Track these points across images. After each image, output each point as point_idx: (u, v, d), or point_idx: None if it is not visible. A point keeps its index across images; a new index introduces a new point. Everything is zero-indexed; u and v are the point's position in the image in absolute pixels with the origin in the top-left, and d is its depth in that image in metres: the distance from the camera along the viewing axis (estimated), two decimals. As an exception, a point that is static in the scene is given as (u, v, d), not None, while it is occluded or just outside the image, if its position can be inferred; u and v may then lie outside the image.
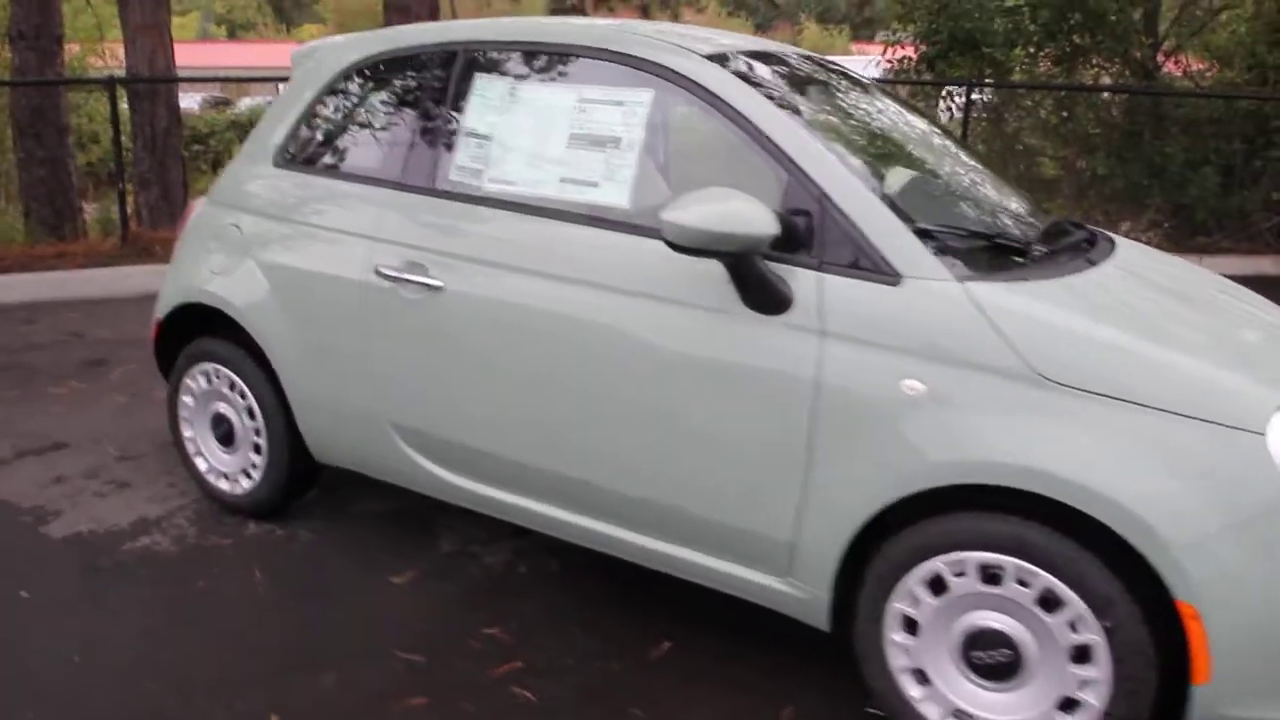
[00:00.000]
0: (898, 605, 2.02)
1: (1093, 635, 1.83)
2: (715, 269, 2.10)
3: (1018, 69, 8.60)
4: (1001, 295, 1.93)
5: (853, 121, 2.44)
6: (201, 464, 3.18)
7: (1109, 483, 1.77)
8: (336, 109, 2.84)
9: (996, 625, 1.93)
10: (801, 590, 2.15)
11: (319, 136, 2.86)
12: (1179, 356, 1.85)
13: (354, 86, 2.82)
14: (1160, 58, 8.57)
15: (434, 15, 7.08)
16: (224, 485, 3.13)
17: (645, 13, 21.66)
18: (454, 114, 2.55)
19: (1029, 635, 1.91)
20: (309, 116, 2.87)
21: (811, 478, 2.04)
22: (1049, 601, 1.87)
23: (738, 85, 2.21)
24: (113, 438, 3.76)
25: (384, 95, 2.76)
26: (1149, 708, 1.83)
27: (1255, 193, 7.44)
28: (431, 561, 2.90)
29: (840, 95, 2.59)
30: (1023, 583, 1.88)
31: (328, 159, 2.83)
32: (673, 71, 2.26)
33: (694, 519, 2.23)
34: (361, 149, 2.78)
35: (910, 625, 2.03)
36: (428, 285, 2.49)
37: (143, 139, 7.18)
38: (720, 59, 2.31)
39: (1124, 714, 1.84)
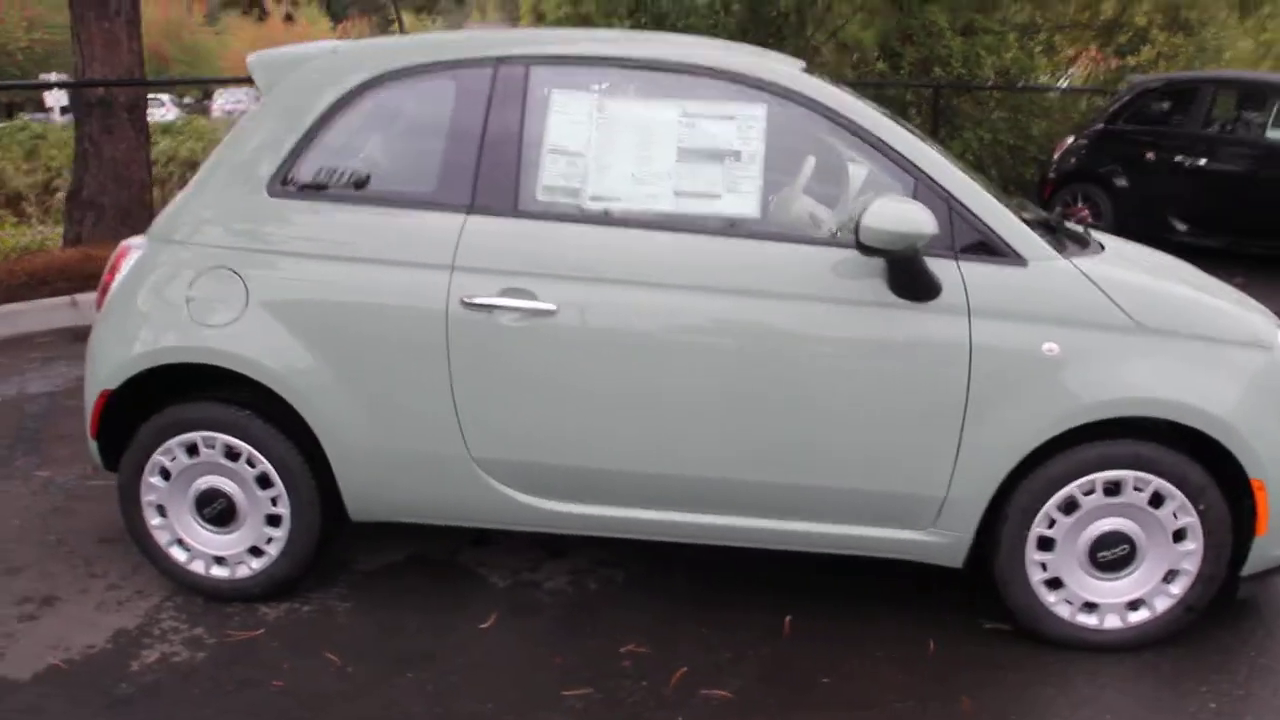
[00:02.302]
0: (1037, 529, 2.44)
1: (1189, 518, 2.41)
2: (864, 266, 2.34)
3: None
4: (1097, 267, 2.42)
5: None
6: (179, 554, 2.67)
7: (1201, 398, 2.34)
8: (358, 128, 2.54)
9: (1116, 527, 2.44)
10: (945, 537, 2.48)
11: (337, 160, 2.53)
12: (1217, 301, 2.49)
13: (380, 103, 2.54)
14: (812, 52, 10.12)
15: (136, 8, 6.09)
16: (220, 572, 2.66)
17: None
18: (530, 131, 2.46)
19: (1140, 530, 2.44)
20: (315, 138, 2.53)
21: (965, 438, 2.38)
22: (1156, 499, 2.41)
23: (848, 97, 2.46)
24: (-30, 550, 2.95)
25: (429, 112, 2.53)
26: (1227, 563, 2.45)
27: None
28: (500, 600, 2.76)
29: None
30: (1137, 488, 2.40)
31: (356, 185, 2.53)
32: (784, 87, 2.43)
33: (847, 494, 2.45)
34: (406, 171, 2.55)
35: (1045, 543, 2.46)
36: (536, 310, 2.40)
37: None
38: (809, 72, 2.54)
39: (1212, 572, 2.44)
